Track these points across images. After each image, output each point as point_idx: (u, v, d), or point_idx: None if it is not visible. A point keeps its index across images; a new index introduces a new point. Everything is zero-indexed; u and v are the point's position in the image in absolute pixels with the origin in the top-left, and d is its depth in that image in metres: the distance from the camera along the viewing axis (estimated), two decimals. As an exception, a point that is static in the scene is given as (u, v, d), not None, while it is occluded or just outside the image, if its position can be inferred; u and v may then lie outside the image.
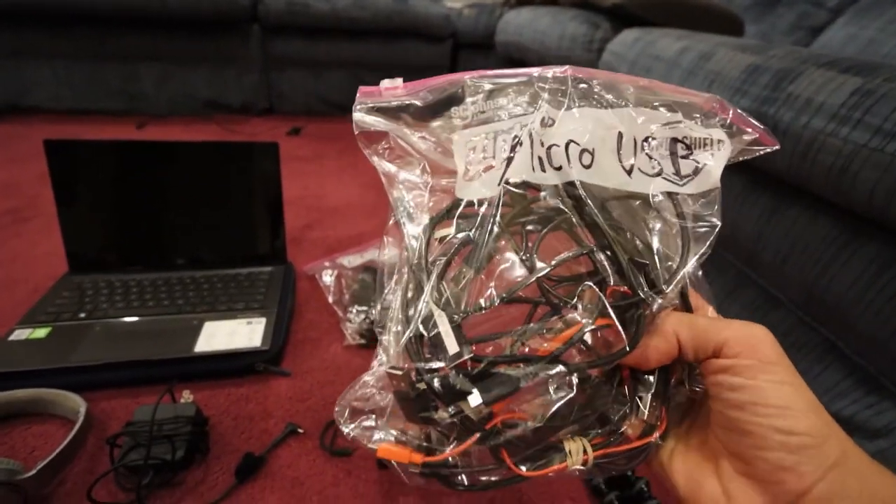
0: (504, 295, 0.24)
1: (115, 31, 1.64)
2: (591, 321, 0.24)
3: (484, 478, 0.25)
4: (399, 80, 0.27)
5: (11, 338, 0.63)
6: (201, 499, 0.49)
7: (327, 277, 0.82)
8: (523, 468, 0.24)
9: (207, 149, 0.77)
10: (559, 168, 0.26)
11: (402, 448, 0.25)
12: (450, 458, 0.24)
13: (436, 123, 0.28)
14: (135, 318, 0.68)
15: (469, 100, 0.27)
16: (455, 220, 0.26)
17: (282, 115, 1.92)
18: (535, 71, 0.27)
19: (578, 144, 0.26)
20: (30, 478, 0.46)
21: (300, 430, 0.57)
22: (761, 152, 0.28)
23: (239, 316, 0.69)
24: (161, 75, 1.75)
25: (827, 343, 0.60)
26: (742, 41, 0.77)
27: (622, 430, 0.25)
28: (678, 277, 0.24)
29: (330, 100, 1.94)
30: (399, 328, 0.25)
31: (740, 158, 0.28)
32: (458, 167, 0.27)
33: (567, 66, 0.28)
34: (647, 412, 0.25)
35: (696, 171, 0.27)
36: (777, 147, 0.28)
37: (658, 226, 0.26)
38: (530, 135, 0.26)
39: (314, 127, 1.80)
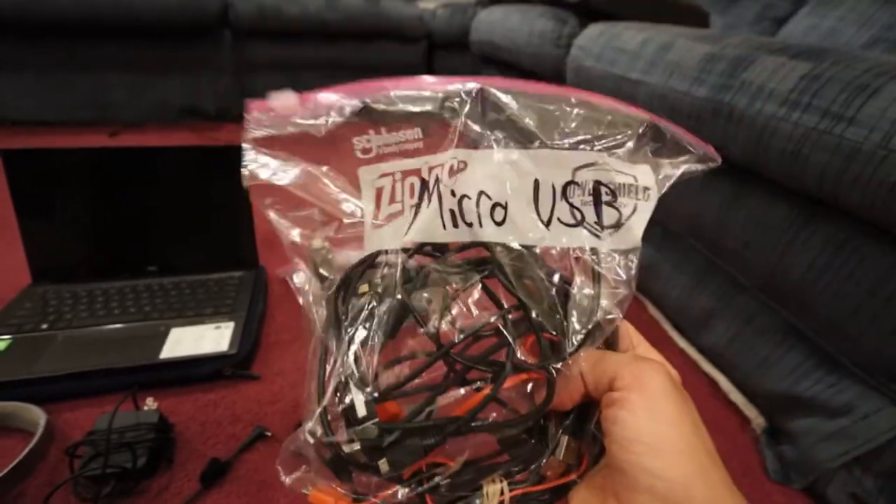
0: (410, 374, 0.24)
1: (85, 40, 1.61)
2: (498, 386, 0.23)
3: None
4: (291, 95, 0.24)
5: (-31, 352, 0.61)
6: (165, 506, 0.48)
7: (299, 280, 0.81)
8: None
9: (173, 154, 0.76)
10: (470, 224, 0.24)
11: (333, 495, 0.24)
12: None
13: (343, 152, 0.25)
14: (99, 327, 0.66)
15: (371, 131, 0.24)
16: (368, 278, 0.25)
17: (258, 119, 1.90)
18: (445, 86, 0.24)
19: (490, 198, 0.24)
20: (-16, 492, 0.45)
21: (268, 434, 0.56)
22: (703, 169, 0.27)
23: (207, 321, 0.69)
24: (133, 84, 1.73)
25: (788, 326, 0.61)
26: (700, 32, 0.78)
27: (541, 470, 0.24)
28: (587, 342, 0.24)
29: (306, 103, 1.93)
30: (314, 388, 0.25)
31: (684, 178, 0.27)
32: (366, 211, 0.25)
33: (477, 82, 0.24)
34: (563, 452, 0.24)
35: (619, 224, 0.25)
36: (719, 163, 0.27)
37: (576, 279, 0.25)
38: (438, 186, 0.24)
39: (291, 131, 1.79)
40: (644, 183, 0.26)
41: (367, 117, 0.24)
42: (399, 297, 0.24)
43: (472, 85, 0.24)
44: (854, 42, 1.03)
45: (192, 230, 0.80)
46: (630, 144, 0.26)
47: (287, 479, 0.24)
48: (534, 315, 0.24)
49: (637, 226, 0.26)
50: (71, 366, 0.60)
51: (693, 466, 0.20)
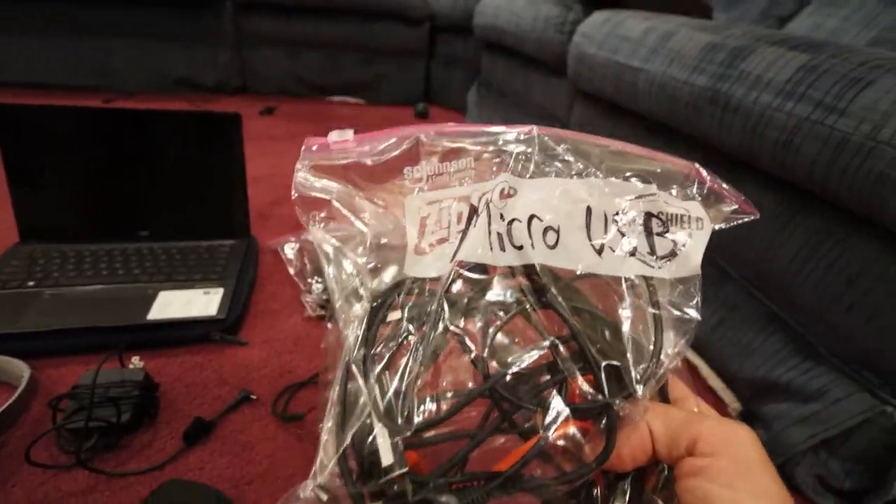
0: (450, 409, 0.21)
1: (88, 5, 1.58)
2: (548, 434, 0.20)
3: None
4: (349, 133, 0.24)
5: (-46, 304, 0.61)
6: (147, 461, 0.49)
7: (289, 250, 0.81)
8: None
9: (168, 118, 0.75)
10: (520, 248, 0.23)
11: None
12: None
13: (388, 184, 0.25)
14: (87, 287, 0.66)
15: (423, 161, 0.24)
16: (401, 304, 0.23)
17: (256, 94, 1.88)
18: (497, 130, 0.25)
19: (542, 220, 0.23)
20: (-34, 439, 0.45)
21: (253, 397, 0.57)
22: (739, 222, 0.26)
23: (197, 286, 0.69)
24: (132, 51, 1.70)
25: (771, 314, 0.62)
26: (703, 22, 0.78)
27: None
28: (651, 378, 0.22)
29: (306, 80, 1.91)
30: (332, 424, 0.22)
31: (716, 227, 0.26)
32: (409, 238, 0.24)
33: (532, 126, 0.25)
34: None
35: (674, 253, 0.24)
36: (757, 216, 0.26)
37: (629, 312, 0.23)
38: (488, 207, 0.23)
39: (288, 107, 1.77)
40: (697, 214, 0.25)
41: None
42: (440, 323, 0.21)
43: (522, 129, 0.25)
44: (856, 42, 1.03)
45: (185, 197, 0.79)
46: (675, 188, 0.25)
47: None
48: (593, 349, 0.21)
49: (694, 253, 0.24)
50: (57, 322, 0.59)
51: None
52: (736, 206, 0.26)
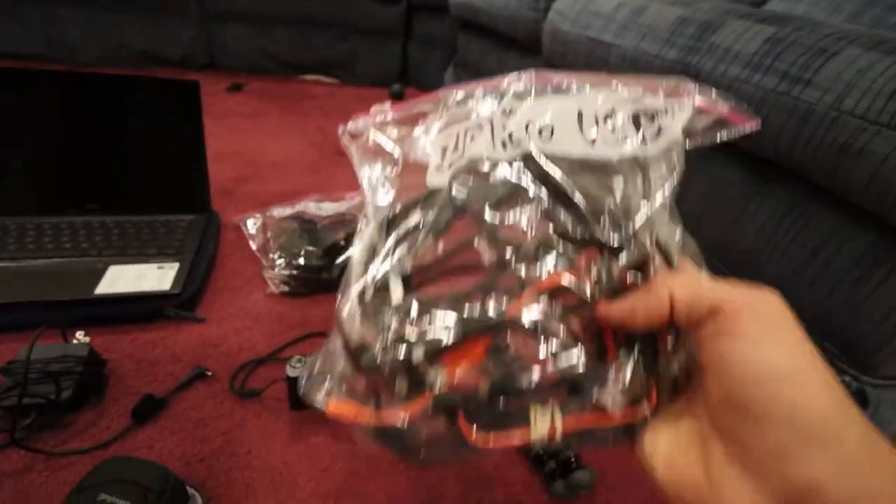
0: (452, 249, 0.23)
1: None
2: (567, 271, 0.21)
3: (440, 448, 0.22)
4: (387, 105, 0.29)
5: None
6: (92, 440, 0.46)
7: (252, 225, 0.78)
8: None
9: (122, 83, 0.70)
10: (518, 143, 0.25)
11: (353, 406, 0.22)
12: (403, 422, 0.21)
13: (416, 128, 0.29)
14: (30, 262, 0.62)
15: (442, 107, 0.28)
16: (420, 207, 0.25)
17: (223, 70, 1.80)
18: (503, 78, 0.29)
19: (537, 124, 0.25)
20: None
21: (208, 374, 0.54)
22: (740, 132, 0.27)
23: (150, 261, 0.65)
24: (88, 22, 1.60)
25: (736, 288, 0.63)
26: (676, -3, 0.78)
27: (600, 400, 0.22)
28: (643, 216, 0.23)
29: (276, 57, 1.85)
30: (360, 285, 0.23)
31: (720, 138, 0.26)
32: (431, 162, 0.27)
33: (532, 70, 0.29)
34: (629, 378, 0.21)
35: (659, 132, 0.26)
36: (757, 127, 0.27)
37: (621, 187, 0.24)
38: (491, 122, 0.26)
39: (258, 84, 1.71)
40: (682, 106, 0.26)
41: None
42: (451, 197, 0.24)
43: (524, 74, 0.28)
44: (822, 29, 1.05)
45: (140, 168, 0.75)
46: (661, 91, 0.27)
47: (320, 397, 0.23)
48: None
49: (675, 126, 0.25)
50: (-5, 297, 0.55)
51: (836, 399, 0.17)
52: (727, 113, 0.26)
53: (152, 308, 0.59)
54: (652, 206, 0.23)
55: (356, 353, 0.22)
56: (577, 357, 0.21)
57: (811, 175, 0.51)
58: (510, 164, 0.24)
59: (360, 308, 0.22)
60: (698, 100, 0.26)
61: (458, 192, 0.24)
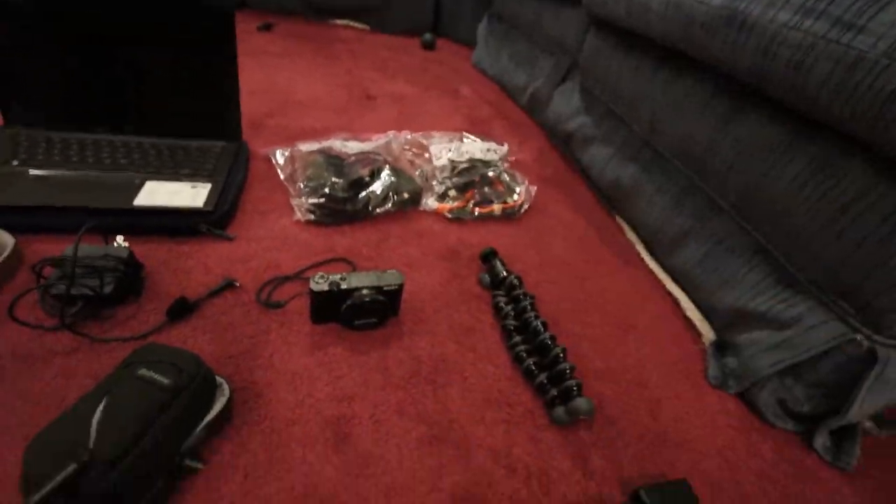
0: None
1: None
2: None
3: None
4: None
5: (-63, 175, 0.60)
6: (130, 332, 0.50)
7: (280, 156, 0.80)
8: None
9: (163, 6, 0.71)
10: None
11: None
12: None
13: None
14: (72, 172, 0.65)
15: None
16: None
17: (254, 10, 1.79)
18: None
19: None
20: (-51, 292, 0.45)
21: (237, 284, 0.57)
22: None
23: (184, 180, 0.68)
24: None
25: (757, 246, 0.62)
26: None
27: None
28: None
29: (308, -1, 1.82)
30: None
31: None
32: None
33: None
34: None
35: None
36: None
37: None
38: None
39: (288, 26, 1.69)
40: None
41: None
42: None
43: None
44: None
45: (176, 93, 0.76)
46: None
47: None
48: None
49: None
50: (42, 199, 0.59)
51: None
52: None
53: (186, 223, 0.62)
54: None
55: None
56: None
57: (851, 128, 0.49)
58: None
59: None
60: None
61: None
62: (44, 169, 0.64)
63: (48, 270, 0.51)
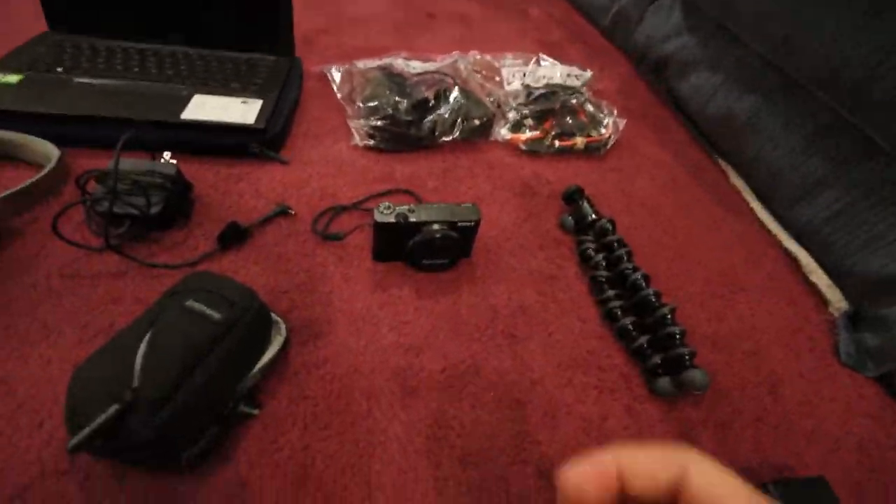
0: None
1: None
2: None
3: None
4: None
5: (-20, 79, 0.56)
6: (180, 258, 0.45)
7: (336, 74, 0.71)
8: None
9: None
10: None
11: None
12: None
13: None
14: (117, 81, 0.59)
15: None
16: None
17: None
18: None
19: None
20: (-9, 202, 0.42)
21: (291, 212, 0.51)
22: None
23: (234, 95, 0.61)
24: None
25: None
26: None
27: None
28: None
29: None
30: None
31: None
32: None
33: None
34: None
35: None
36: None
37: None
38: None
39: (343, -64, 1.53)
40: None
41: None
42: None
43: None
44: None
45: (225, 3, 0.68)
46: None
47: None
48: None
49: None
50: (86, 109, 0.54)
51: None
52: None
53: (237, 141, 0.56)
54: None
55: None
56: None
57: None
58: None
59: None
60: None
61: None
62: (88, 77, 0.59)
63: (92, 185, 0.47)
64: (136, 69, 0.62)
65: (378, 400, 0.37)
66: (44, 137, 0.52)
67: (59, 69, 0.59)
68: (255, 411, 0.34)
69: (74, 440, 0.25)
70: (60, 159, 0.49)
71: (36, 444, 0.31)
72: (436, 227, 0.44)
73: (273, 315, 0.39)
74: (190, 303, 0.34)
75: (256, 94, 0.62)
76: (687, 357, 0.40)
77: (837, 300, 0.55)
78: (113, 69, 0.61)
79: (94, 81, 0.59)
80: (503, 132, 0.70)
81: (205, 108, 0.57)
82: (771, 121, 0.66)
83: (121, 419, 0.27)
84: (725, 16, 0.77)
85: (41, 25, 0.67)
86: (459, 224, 0.45)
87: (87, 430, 0.26)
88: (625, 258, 0.49)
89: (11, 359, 0.36)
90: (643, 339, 0.43)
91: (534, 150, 0.69)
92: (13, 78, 0.57)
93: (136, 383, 0.29)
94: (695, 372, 0.39)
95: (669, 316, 0.43)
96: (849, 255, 0.55)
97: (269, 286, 0.44)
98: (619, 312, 0.45)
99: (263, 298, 0.41)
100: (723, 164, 0.77)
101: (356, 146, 0.63)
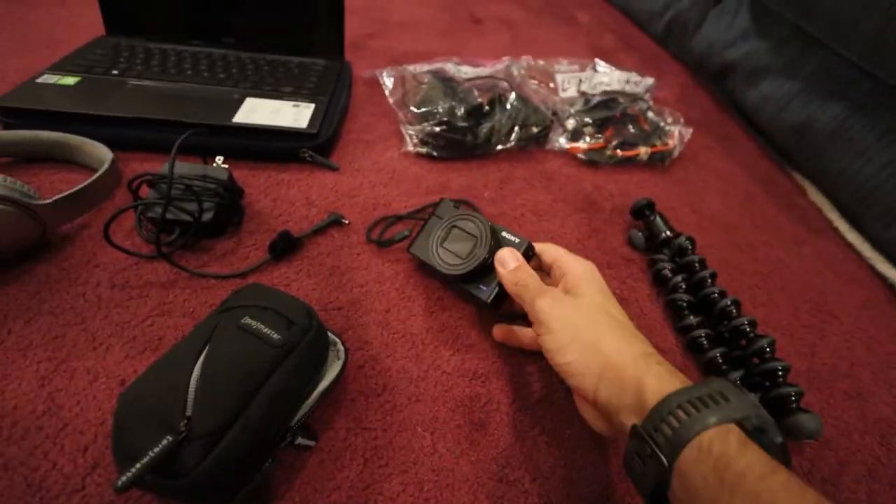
0: None
1: None
2: None
3: None
4: None
5: (39, 80, 0.56)
6: (230, 267, 0.43)
7: (388, 78, 0.68)
8: None
9: None
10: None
11: None
12: None
13: None
14: (170, 84, 0.58)
15: None
16: None
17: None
18: None
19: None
20: (45, 205, 0.40)
21: (345, 221, 0.48)
22: None
23: (286, 98, 0.59)
24: None
25: None
26: None
27: None
28: None
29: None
30: None
31: None
32: None
33: None
34: None
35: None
36: None
37: None
38: None
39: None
40: None
41: None
42: None
43: None
44: None
45: (277, 5, 0.67)
46: None
47: None
48: None
49: None
50: (140, 111, 0.53)
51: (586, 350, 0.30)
52: None
53: (288, 146, 0.54)
54: None
55: None
56: None
57: None
58: None
59: None
60: None
61: None
62: (143, 80, 0.58)
63: (144, 190, 0.45)
64: (189, 72, 0.61)
65: (443, 434, 0.34)
66: (96, 138, 0.51)
67: (115, 72, 0.59)
68: (312, 443, 0.31)
69: (123, 479, 0.23)
70: (114, 162, 0.48)
71: (80, 471, 0.29)
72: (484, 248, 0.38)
73: (330, 335, 0.36)
74: (246, 320, 0.31)
75: (308, 98, 0.60)
76: (794, 398, 0.35)
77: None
78: (166, 72, 0.60)
79: (148, 84, 0.58)
80: (561, 141, 0.66)
81: (257, 111, 0.55)
82: (863, 132, 0.60)
83: (173, 453, 0.25)
84: (804, 18, 0.71)
85: (100, 30, 0.67)
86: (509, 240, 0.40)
87: (137, 468, 0.23)
88: (709, 280, 0.45)
89: (59, 373, 0.34)
90: (736, 375, 0.38)
91: (593, 161, 0.65)
92: (71, 80, 0.56)
93: (189, 412, 0.26)
94: (805, 416, 0.34)
95: (769, 349, 0.38)
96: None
97: (322, 301, 0.41)
98: (705, 343, 0.41)
99: (318, 314, 0.38)
100: (799, 178, 0.70)
101: (408, 153, 0.60)
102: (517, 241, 0.39)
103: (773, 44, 0.78)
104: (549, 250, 0.38)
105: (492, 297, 0.38)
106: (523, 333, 0.38)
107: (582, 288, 0.33)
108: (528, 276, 0.35)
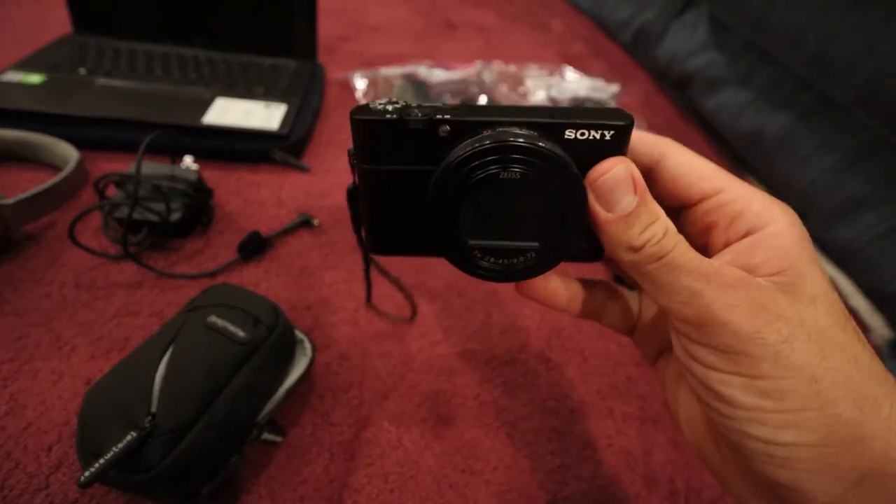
0: None
1: None
2: None
3: None
4: None
5: (2, 78, 0.55)
6: (199, 267, 0.43)
7: (360, 81, 0.69)
8: None
9: None
10: None
11: None
12: None
13: None
14: (140, 84, 0.58)
15: None
16: None
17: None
18: None
19: None
20: (8, 205, 0.40)
21: (315, 223, 0.49)
22: None
23: (257, 98, 0.59)
24: None
25: None
26: None
27: None
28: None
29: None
30: None
31: None
32: None
33: None
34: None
35: None
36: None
37: None
38: None
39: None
40: None
41: None
42: None
43: None
44: None
45: (249, 5, 0.67)
46: None
47: None
48: None
49: None
50: (108, 111, 0.53)
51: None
52: None
53: (259, 147, 0.54)
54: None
55: None
56: None
57: None
58: None
59: None
60: None
61: None
62: (111, 78, 0.58)
63: (111, 190, 0.45)
64: (159, 72, 0.61)
65: (409, 428, 0.35)
66: (64, 139, 0.50)
67: (82, 70, 0.58)
68: (279, 439, 0.32)
69: (86, 474, 0.23)
70: (80, 162, 0.48)
71: (44, 470, 0.29)
72: (519, 130, 0.19)
73: (297, 333, 0.36)
74: (212, 319, 0.32)
75: (280, 98, 0.60)
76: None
77: (879, 326, 0.53)
78: (135, 71, 0.60)
79: (117, 83, 0.57)
80: (529, 145, 0.68)
81: (228, 112, 0.55)
82: (806, 140, 0.64)
83: (137, 448, 0.25)
84: (756, 32, 0.75)
85: (66, 27, 0.66)
86: (580, 132, 0.18)
87: (100, 463, 0.23)
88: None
89: (22, 373, 0.34)
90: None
91: (560, 164, 0.67)
92: (36, 78, 0.55)
93: (154, 408, 0.27)
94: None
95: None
96: (894, 278, 0.53)
97: (291, 300, 0.42)
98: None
99: (286, 314, 0.39)
100: (754, 182, 0.74)
101: (380, 156, 0.61)
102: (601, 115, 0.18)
103: (728, 56, 0.82)
104: (677, 152, 0.19)
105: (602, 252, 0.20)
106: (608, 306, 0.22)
107: (808, 278, 0.16)
108: (665, 229, 0.17)
